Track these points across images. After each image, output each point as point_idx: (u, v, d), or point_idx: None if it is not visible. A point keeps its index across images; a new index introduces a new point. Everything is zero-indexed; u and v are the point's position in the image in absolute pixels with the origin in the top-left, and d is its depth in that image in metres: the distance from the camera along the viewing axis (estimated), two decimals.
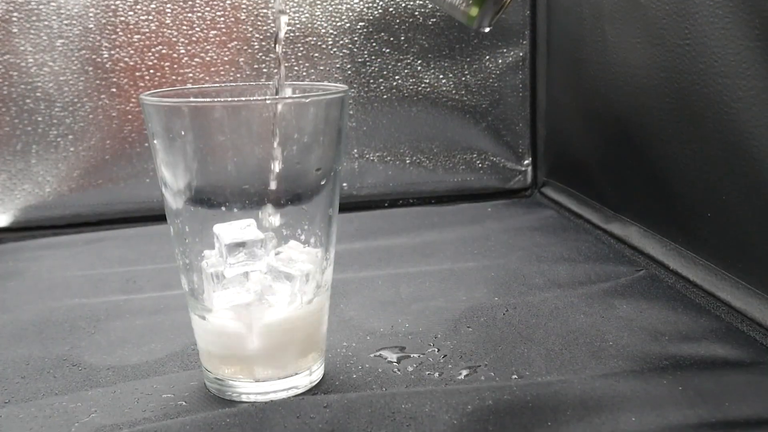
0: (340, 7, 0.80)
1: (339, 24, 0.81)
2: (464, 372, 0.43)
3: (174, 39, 0.78)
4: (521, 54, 0.85)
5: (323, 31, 0.81)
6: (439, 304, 0.53)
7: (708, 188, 0.54)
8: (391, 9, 0.82)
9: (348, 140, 0.83)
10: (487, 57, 0.85)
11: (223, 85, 0.73)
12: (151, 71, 0.78)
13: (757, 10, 0.46)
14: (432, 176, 0.86)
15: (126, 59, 0.77)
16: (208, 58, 0.79)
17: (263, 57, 0.80)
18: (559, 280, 0.57)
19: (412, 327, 0.50)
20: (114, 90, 0.78)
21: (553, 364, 0.44)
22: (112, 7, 0.76)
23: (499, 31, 0.84)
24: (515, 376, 0.42)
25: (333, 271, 0.43)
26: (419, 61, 0.83)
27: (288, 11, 0.78)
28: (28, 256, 0.69)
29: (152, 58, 0.78)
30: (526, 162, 0.88)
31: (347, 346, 0.47)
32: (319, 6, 0.80)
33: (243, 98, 0.44)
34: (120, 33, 0.77)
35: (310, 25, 0.80)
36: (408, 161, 0.85)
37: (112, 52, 0.77)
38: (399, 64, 0.83)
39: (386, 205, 0.85)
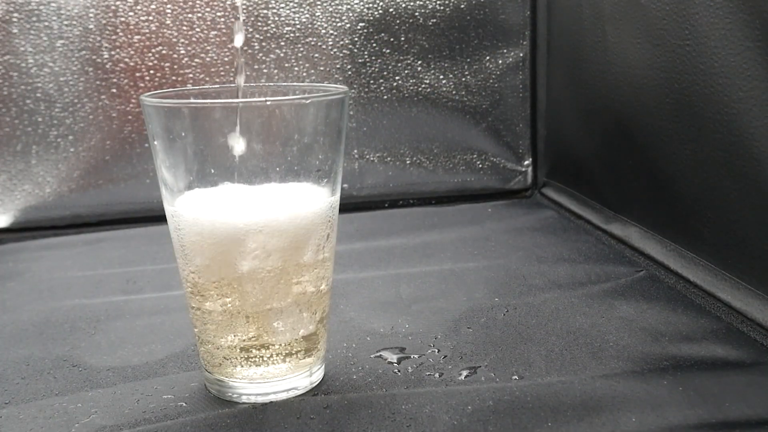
0: (340, 7, 0.80)
1: (339, 25, 0.81)
2: (464, 373, 0.43)
3: (174, 39, 0.78)
4: (521, 54, 0.85)
5: (323, 31, 0.81)
6: (439, 304, 0.53)
7: (708, 188, 0.54)
8: (391, 10, 0.82)
9: (348, 141, 0.83)
10: (487, 57, 0.85)
11: (223, 86, 0.73)
12: (152, 72, 0.78)
13: (757, 10, 0.46)
14: (432, 177, 0.86)
15: (126, 60, 0.77)
16: (208, 59, 0.79)
17: (263, 57, 0.80)
18: (560, 281, 0.57)
19: (412, 328, 0.50)
20: (114, 91, 0.78)
21: (553, 364, 0.44)
22: (113, 7, 0.76)
23: (499, 31, 0.85)
24: (515, 377, 0.42)
25: (333, 271, 0.43)
26: (419, 62, 0.83)
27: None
28: (28, 256, 0.69)
29: (152, 58, 0.78)
30: (526, 162, 0.88)
31: (347, 347, 0.47)
32: (319, 6, 0.80)
33: (243, 99, 0.44)
34: (120, 34, 0.77)
35: (310, 26, 0.80)
36: (408, 162, 0.85)
37: (113, 52, 0.77)
38: (399, 64, 0.83)
39: (386, 205, 0.85)
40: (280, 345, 0.40)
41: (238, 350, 0.40)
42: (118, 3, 0.76)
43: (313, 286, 0.40)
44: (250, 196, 0.38)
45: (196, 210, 0.38)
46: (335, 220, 0.41)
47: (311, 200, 0.39)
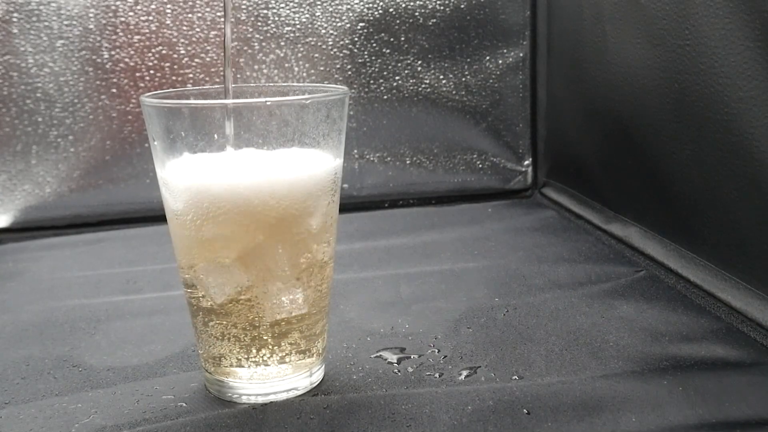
0: (340, 7, 0.80)
1: (339, 25, 0.81)
2: (464, 373, 0.43)
3: (174, 39, 0.78)
4: (521, 54, 0.85)
5: (323, 31, 0.81)
6: (439, 304, 0.53)
7: (708, 188, 0.54)
8: (391, 10, 0.82)
9: (348, 141, 0.83)
10: (487, 57, 0.85)
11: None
12: (152, 72, 0.78)
13: (757, 10, 0.46)
14: (432, 177, 0.86)
15: (126, 60, 0.77)
16: (208, 59, 0.79)
17: (263, 57, 0.80)
18: (560, 281, 0.57)
19: (412, 328, 0.50)
20: (114, 91, 0.78)
21: (553, 364, 0.44)
22: (113, 7, 0.76)
23: (499, 31, 0.85)
24: (515, 377, 0.42)
25: (333, 271, 0.43)
26: (419, 62, 0.83)
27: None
28: (28, 256, 0.69)
29: (152, 58, 0.78)
30: (526, 162, 0.88)
31: (347, 347, 0.47)
32: (319, 6, 0.80)
33: (243, 99, 0.44)
34: (120, 34, 0.77)
35: (310, 26, 0.80)
36: (408, 162, 0.85)
37: (113, 52, 0.77)
38: (399, 64, 0.83)
39: (386, 205, 0.85)
40: (276, 333, 0.40)
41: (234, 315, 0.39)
42: (118, 3, 0.76)
43: (315, 256, 0.40)
44: (252, 161, 0.38)
45: (192, 176, 0.38)
46: (338, 190, 0.41)
47: (314, 164, 0.39)
